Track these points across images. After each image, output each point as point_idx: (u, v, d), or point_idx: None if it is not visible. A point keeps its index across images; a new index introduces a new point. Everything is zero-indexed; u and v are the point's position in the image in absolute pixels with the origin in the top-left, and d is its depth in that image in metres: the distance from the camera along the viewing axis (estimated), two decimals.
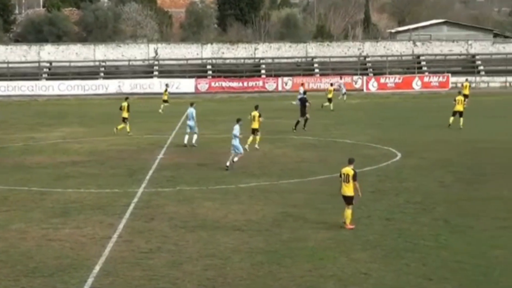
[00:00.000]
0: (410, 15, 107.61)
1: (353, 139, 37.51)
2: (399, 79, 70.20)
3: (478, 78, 71.43)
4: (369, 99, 62.18)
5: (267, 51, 74.68)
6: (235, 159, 29.82)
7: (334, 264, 17.03)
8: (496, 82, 71.09)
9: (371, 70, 73.27)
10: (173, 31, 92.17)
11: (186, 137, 35.89)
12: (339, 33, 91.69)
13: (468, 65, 73.99)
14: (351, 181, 20.06)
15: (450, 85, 69.37)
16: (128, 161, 31.97)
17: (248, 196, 24.57)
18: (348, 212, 20.22)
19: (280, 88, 69.67)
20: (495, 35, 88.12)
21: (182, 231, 20.25)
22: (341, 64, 74.11)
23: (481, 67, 72.79)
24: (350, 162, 20.27)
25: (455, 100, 41.64)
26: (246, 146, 32.86)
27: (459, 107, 41.17)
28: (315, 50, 74.61)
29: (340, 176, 20.32)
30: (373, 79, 70.30)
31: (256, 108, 35.05)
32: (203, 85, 70.37)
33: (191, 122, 35.77)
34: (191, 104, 36.90)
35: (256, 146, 34.23)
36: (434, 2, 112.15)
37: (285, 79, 70.44)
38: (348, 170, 20.16)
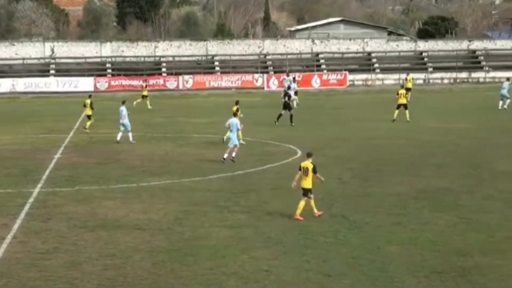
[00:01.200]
0: (308, 13, 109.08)
1: (254, 136, 37.71)
2: (299, 77, 70.98)
3: (373, 76, 73.01)
4: (270, 97, 62.65)
5: (167, 49, 74.21)
6: (233, 154, 30.16)
7: (235, 262, 17.10)
8: (390, 79, 72.78)
9: (271, 68, 73.83)
10: (70, 30, 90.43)
11: (120, 134, 36.10)
12: (239, 31, 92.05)
13: (364, 63, 75.52)
14: (310, 174, 20.73)
15: (348, 83, 70.65)
16: (23, 161, 31.17)
17: (149, 195, 24.40)
18: (303, 203, 20.81)
19: (181, 87, 69.36)
20: (389, 33, 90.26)
21: (81, 231, 19.92)
22: (242, 62, 74.37)
23: (377, 65, 74.44)
24: (309, 155, 21.13)
25: (398, 94, 43.33)
26: (224, 137, 33.78)
27: (403, 100, 42.82)
28: (215, 48, 74.62)
29: (300, 169, 20.91)
30: (273, 77, 70.85)
31: (237, 103, 35.48)
32: (103, 83, 69.34)
33: (124, 121, 36.06)
34: (123, 102, 37.26)
35: (241, 141, 33.89)
36: (332, 1, 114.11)
37: (186, 77, 70.17)
38: (308, 163, 20.88)
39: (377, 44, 76.19)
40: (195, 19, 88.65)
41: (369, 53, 75.37)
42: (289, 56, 74.34)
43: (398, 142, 35.30)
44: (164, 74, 71.61)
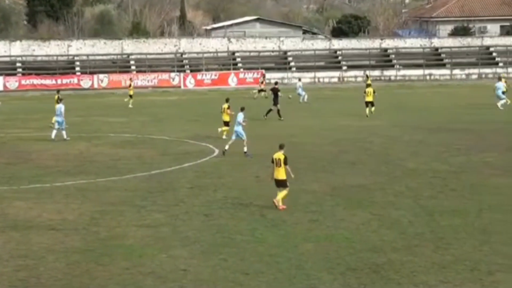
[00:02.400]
0: (224, 12, 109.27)
1: (171, 135, 37.57)
2: (216, 75, 71.04)
3: (290, 74, 73.62)
4: (186, 95, 62.52)
5: (81, 48, 73.12)
6: (245, 149, 30.87)
7: (152, 261, 17.01)
8: (306, 77, 73.53)
9: (188, 67, 73.63)
10: None
11: (54, 132, 35.83)
12: (155, 30, 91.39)
13: (280, 61, 76.11)
14: (282, 165, 21.20)
15: (265, 81, 70.91)
16: None
17: (64, 195, 23.99)
18: (282, 194, 21.37)
19: (96, 86, 68.45)
20: (304, 32, 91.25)
21: None
22: (158, 61, 73.93)
23: (292, 63, 75.10)
24: (281, 147, 21.75)
25: (365, 92, 44.91)
26: (219, 130, 35.11)
27: (370, 98, 44.37)
28: (131, 47, 73.91)
29: (272, 161, 21.51)
30: (190, 76, 70.67)
31: (227, 101, 36.07)
32: (13, 83, 67.83)
33: (59, 118, 36.02)
34: (60, 100, 37.39)
35: (224, 136, 34.82)
36: (247, 0, 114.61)
37: (101, 76, 69.31)
38: (280, 155, 21.47)
39: (293, 43, 76.89)
40: (109, 17, 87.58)
41: (285, 52, 75.98)
42: (205, 55, 74.27)
43: (313, 140, 35.69)
44: (78, 73, 70.55)
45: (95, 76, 69.15)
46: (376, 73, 74.51)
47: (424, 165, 28.73)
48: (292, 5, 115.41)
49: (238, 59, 74.68)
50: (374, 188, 24.76)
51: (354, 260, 17.08)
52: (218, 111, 48.04)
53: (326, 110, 48.79)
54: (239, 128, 31.28)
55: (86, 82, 68.81)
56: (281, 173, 21.50)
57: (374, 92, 45.18)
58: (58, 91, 43.68)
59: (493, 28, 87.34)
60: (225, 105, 35.71)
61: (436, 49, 77.81)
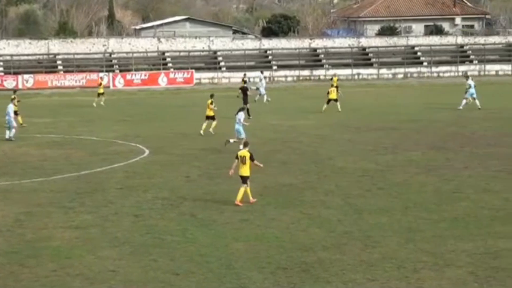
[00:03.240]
0: (154, 11, 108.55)
1: (100, 136, 37.11)
2: (145, 75, 70.46)
3: (220, 74, 73.59)
4: (116, 96, 61.79)
5: (4, 48, 71.59)
6: (231, 140, 32.12)
7: (80, 263, 16.80)
8: (237, 77, 73.46)
9: (117, 67, 72.83)
10: None
11: (7, 132, 35.96)
12: (83, 30, 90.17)
13: (210, 61, 75.97)
14: (247, 162, 21.92)
15: (195, 81, 70.87)
16: None
17: None
18: (242, 190, 21.99)
19: (20, 86, 67.06)
20: (234, 32, 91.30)
21: None
22: (86, 61, 72.91)
23: (223, 63, 75.05)
24: (245, 145, 22.50)
25: (328, 93, 47.03)
26: (201, 131, 36.32)
27: (333, 96, 46.73)
28: (57, 46, 72.68)
29: (237, 158, 22.10)
30: (119, 76, 69.91)
31: (211, 96, 37.33)
32: None
33: (7, 117, 36.19)
34: (12, 100, 38.05)
35: (211, 130, 36.32)
36: None
37: (26, 76, 67.99)
38: (245, 152, 22.11)
39: (223, 43, 76.83)
40: (35, 17, 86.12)
41: (215, 52, 75.90)
42: (135, 55, 73.64)
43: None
44: (1, 74, 69.11)
45: (20, 77, 67.80)
46: (306, 72, 74.99)
47: (353, 164, 29.07)
48: (222, 5, 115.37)
49: (168, 59, 74.24)
50: (304, 187, 24.95)
51: (284, 259, 17.17)
52: (149, 111, 47.68)
53: (257, 110, 48.89)
54: (239, 127, 32.13)
55: (9, 82, 67.35)
56: (245, 170, 22.06)
57: (337, 89, 47.50)
58: (14, 91, 43.79)
59: (418, 27, 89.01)
60: (209, 101, 36.92)
61: (364, 48, 78.78)
